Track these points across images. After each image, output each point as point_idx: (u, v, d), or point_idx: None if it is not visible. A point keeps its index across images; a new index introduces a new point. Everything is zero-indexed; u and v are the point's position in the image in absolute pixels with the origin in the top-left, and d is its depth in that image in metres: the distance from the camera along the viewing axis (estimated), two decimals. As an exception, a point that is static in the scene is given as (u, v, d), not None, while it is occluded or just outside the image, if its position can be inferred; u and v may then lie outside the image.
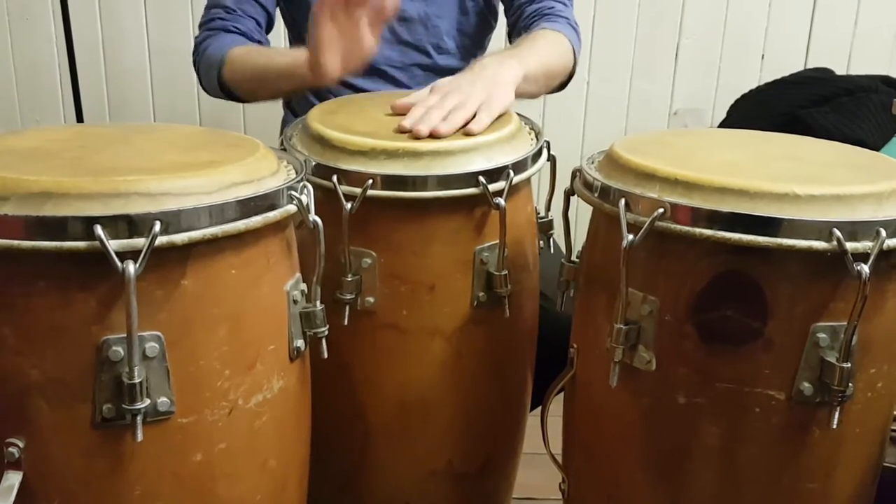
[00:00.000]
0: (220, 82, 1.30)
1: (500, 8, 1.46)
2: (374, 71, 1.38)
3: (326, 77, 1.12)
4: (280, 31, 1.55)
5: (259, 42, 1.35)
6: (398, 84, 1.39)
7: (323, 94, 1.38)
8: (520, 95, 1.14)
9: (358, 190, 0.91)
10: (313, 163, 0.94)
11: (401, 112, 1.05)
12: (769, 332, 0.78)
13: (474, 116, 1.01)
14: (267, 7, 1.38)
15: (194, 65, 1.37)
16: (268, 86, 1.29)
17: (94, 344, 0.68)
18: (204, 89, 1.37)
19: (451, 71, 1.41)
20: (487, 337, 1.03)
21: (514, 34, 1.40)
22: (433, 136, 0.97)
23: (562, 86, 1.34)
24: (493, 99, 1.04)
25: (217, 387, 0.73)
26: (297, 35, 1.43)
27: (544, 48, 1.24)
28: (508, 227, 0.96)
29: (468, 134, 0.98)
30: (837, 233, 0.73)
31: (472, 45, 1.45)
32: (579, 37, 1.35)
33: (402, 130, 0.99)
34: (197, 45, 1.36)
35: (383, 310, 0.98)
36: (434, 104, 1.02)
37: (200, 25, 1.37)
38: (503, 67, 1.11)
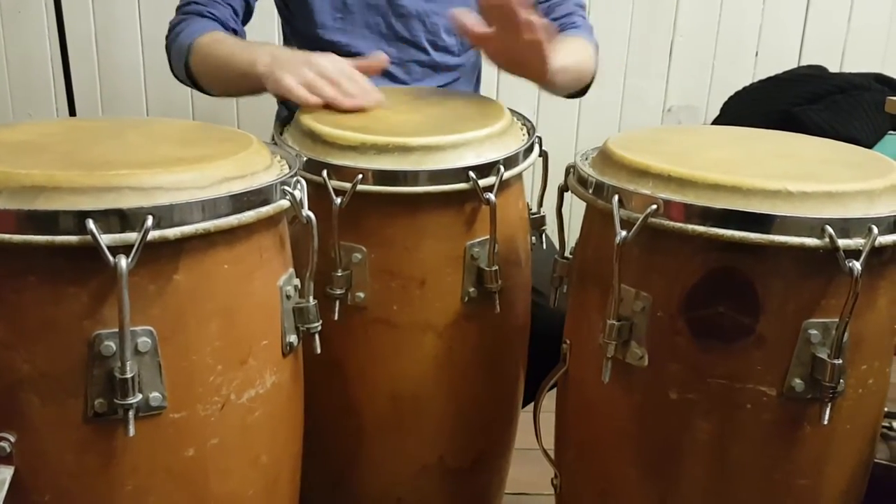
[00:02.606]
0: (187, 71, 1.25)
1: None
2: None
3: (280, 93, 1.09)
4: (275, 28, 1.54)
5: (234, 31, 1.30)
6: (395, 80, 1.39)
7: None
8: (551, 86, 1.17)
9: (348, 185, 0.91)
10: (305, 158, 0.94)
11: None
12: (761, 329, 0.79)
13: None
14: None
15: (166, 49, 1.31)
16: (227, 81, 1.23)
17: (85, 338, 0.67)
18: (174, 75, 1.32)
19: (449, 67, 1.41)
20: (479, 332, 1.03)
21: None
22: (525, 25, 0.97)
23: (582, 91, 1.37)
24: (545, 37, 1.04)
25: (209, 382, 0.73)
26: (294, 31, 1.42)
27: (572, 50, 1.27)
28: (499, 222, 0.96)
29: (541, 48, 1.01)
30: (829, 230, 0.73)
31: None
32: (597, 48, 1.38)
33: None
34: (171, 29, 1.30)
35: (374, 305, 0.98)
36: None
37: (177, 9, 1.32)
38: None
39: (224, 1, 1.31)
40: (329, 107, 1.06)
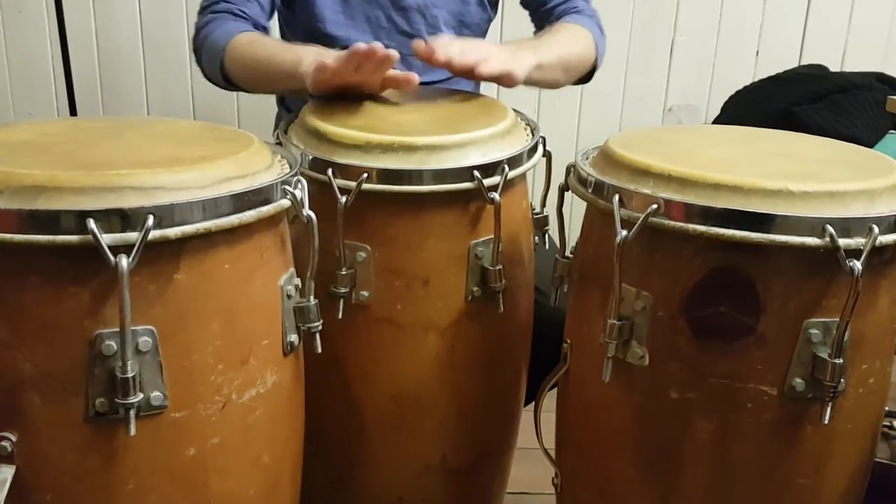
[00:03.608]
0: (222, 71, 1.22)
1: (504, 2, 1.46)
2: None
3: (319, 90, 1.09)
4: (274, 26, 1.53)
5: (265, 28, 1.28)
6: None
7: None
8: (538, 83, 1.21)
9: (353, 184, 0.91)
10: (310, 157, 0.94)
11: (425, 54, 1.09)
12: (762, 328, 0.79)
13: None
14: None
15: (195, 52, 1.27)
16: (268, 81, 1.22)
17: (87, 338, 0.67)
18: (205, 76, 1.28)
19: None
20: (482, 332, 1.03)
21: (538, 32, 1.42)
22: (447, 64, 1.04)
23: (585, 77, 1.37)
24: (505, 58, 1.09)
25: (210, 381, 0.73)
26: (294, 25, 1.41)
27: (565, 40, 1.28)
28: (503, 222, 0.96)
29: (476, 74, 1.05)
30: (830, 229, 0.73)
31: (471, 36, 1.45)
32: (603, 33, 1.39)
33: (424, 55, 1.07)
34: (199, 30, 1.26)
35: (378, 304, 0.98)
36: (453, 43, 1.10)
37: (203, 9, 1.28)
38: (519, 51, 1.16)
39: None
40: (335, 105, 1.05)
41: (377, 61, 1.01)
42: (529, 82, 1.16)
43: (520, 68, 1.10)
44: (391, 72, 1.06)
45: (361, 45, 0.98)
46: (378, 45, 0.98)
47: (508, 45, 1.19)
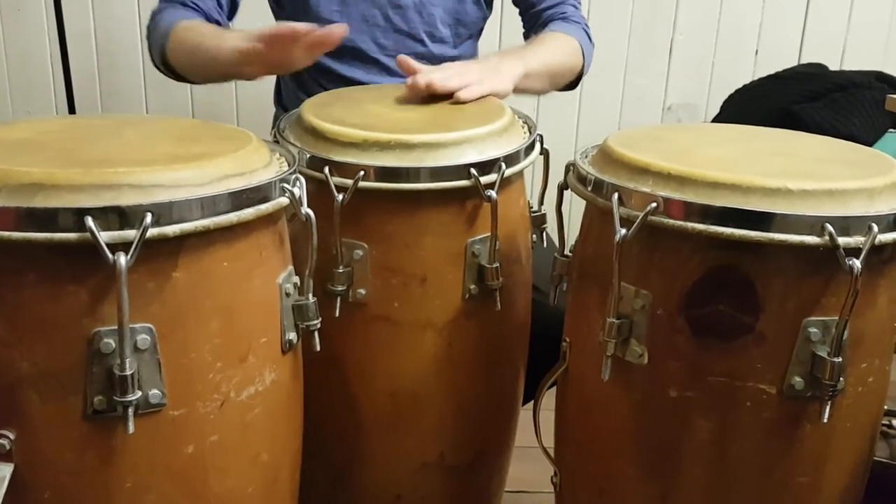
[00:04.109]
0: (164, 59, 1.26)
1: (503, 1, 1.47)
2: (367, 59, 1.38)
3: (248, 78, 1.15)
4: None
5: (217, 23, 1.30)
6: (391, 73, 1.39)
7: (313, 88, 1.38)
8: (525, 91, 1.23)
9: (350, 181, 0.91)
10: (307, 155, 0.94)
11: (409, 72, 1.13)
12: (761, 327, 0.79)
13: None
14: None
15: (147, 38, 1.31)
16: (199, 67, 1.24)
17: (85, 336, 0.67)
18: (153, 64, 1.32)
19: (445, 60, 1.41)
20: (479, 330, 1.03)
21: (528, 32, 1.46)
22: (428, 88, 1.08)
23: (571, 85, 1.40)
24: (487, 81, 1.13)
25: (209, 379, 0.73)
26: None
27: (551, 49, 1.31)
28: (501, 220, 0.96)
29: (457, 101, 1.09)
30: (829, 228, 0.73)
31: (468, 34, 1.45)
32: (591, 40, 1.41)
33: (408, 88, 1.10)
34: (152, 17, 1.30)
35: (375, 302, 0.98)
36: (437, 69, 1.14)
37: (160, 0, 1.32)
38: (504, 62, 1.20)
39: None
40: (332, 103, 1.06)
41: (311, 42, 1.04)
42: (516, 90, 1.19)
43: (503, 85, 1.15)
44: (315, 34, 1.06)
45: (284, 27, 1.02)
46: (301, 26, 1.02)
47: (493, 56, 1.23)
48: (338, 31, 1.05)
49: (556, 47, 1.32)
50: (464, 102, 1.09)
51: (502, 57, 1.22)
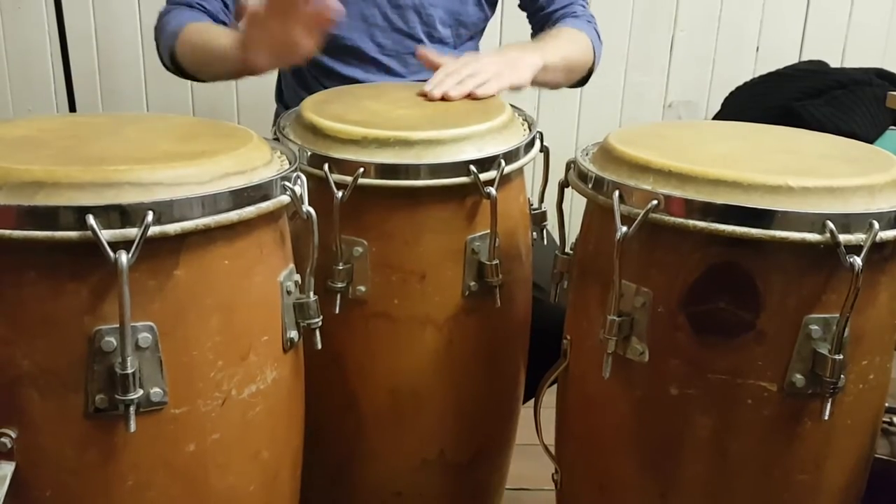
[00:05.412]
0: (173, 59, 1.27)
1: (504, 2, 1.47)
2: (367, 59, 1.38)
3: (255, 71, 1.13)
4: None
5: (224, 24, 1.31)
6: (392, 73, 1.39)
7: (313, 86, 1.38)
8: (541, 84, 1.25)
9: (349, 178, 0.91)
10: (308, 153, 0.94)
11: (430, 66, 1.17)
12: (762, 324, 0.79)
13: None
14: None
15: (155, 39, 1.33)
16: (208, 65, 1.25)
17: (86, 334, 0.67)
18: (163, 63, 1.33)
19: None
20: (479, 327, 1.03)
21: (536, 34, 1.45)
22: (444, 98, 1.09)
23: (582, 81, 1.41)
24: (505, 75, 1.13)
25: (210, 377, 0.73)
26: None
27: (566, 43, 1.32)
28: (500, 217, 0.96)
29: (474, 97, 1.09)
30: (830, 225, 0.73)
31: (468, 34, 1.45)
32: (600, 39, 1.42)
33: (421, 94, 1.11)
34: (160, 18, 1.32)
35: (375, 299, 0.98)
36: (452, 72, 1.13)
37: (167, 2, 1.33)
38: (524, 53, 1.21)
39: None
40: (332, 101, 1.05)
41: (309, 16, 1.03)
42: (533, 83, 1.19)
43: (521, 77, 1.15)
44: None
45: None
46: None
47: (511, 48, 1.23)
48: (334, 4, 1.05)
49: (570, 42, 1.33)
50: (481, 99, 1.10)
51: (522, 48, 1.23)
